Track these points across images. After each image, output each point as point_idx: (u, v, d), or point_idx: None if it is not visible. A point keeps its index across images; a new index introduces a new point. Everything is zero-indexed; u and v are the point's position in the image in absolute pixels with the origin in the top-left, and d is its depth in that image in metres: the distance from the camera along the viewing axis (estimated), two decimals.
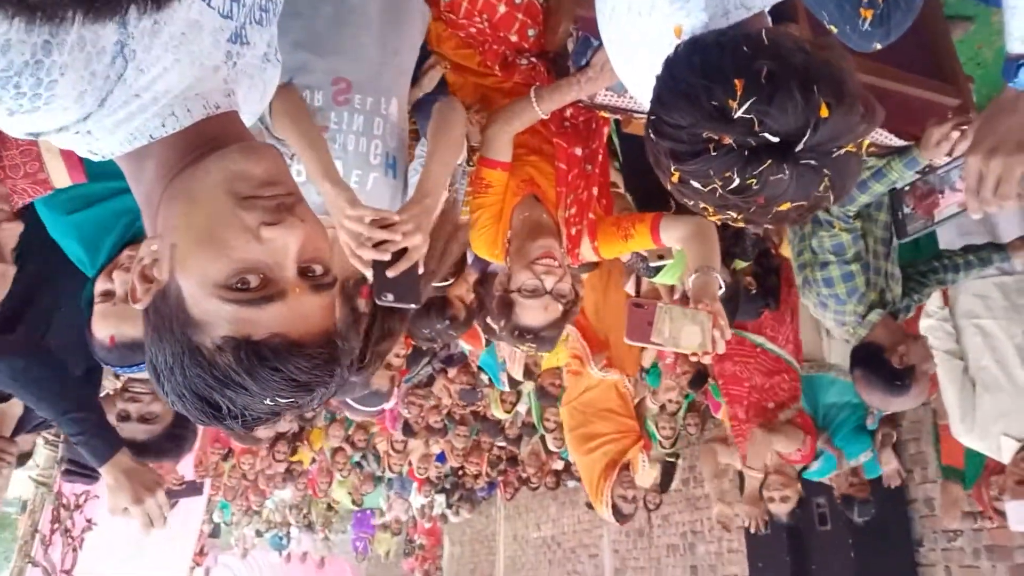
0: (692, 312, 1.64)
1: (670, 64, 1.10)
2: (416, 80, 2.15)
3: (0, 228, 1.57)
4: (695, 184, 1.08)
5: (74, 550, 3.47)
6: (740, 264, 3.32)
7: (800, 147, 1.00)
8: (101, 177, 1.80)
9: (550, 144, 2.28)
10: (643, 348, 4.36)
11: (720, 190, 1.05)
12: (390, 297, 1.48)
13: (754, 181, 1.02)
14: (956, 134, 2.08)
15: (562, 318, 2.02)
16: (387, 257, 1.47)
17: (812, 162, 1.01)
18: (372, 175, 1.80)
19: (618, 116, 2.30)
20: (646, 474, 3.60)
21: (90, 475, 2.72)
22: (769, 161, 1.01)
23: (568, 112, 2.34)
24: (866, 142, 1.09)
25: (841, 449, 3.64)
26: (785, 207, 1.05)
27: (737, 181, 1.03)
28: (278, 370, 0.80)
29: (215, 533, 12.06)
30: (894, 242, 2.63)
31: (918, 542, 4.72)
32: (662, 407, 5.57)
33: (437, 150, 1.75)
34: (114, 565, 4.61)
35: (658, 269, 2.82)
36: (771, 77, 0.99)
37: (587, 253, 2.22)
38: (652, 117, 1.13)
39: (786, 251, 3.34)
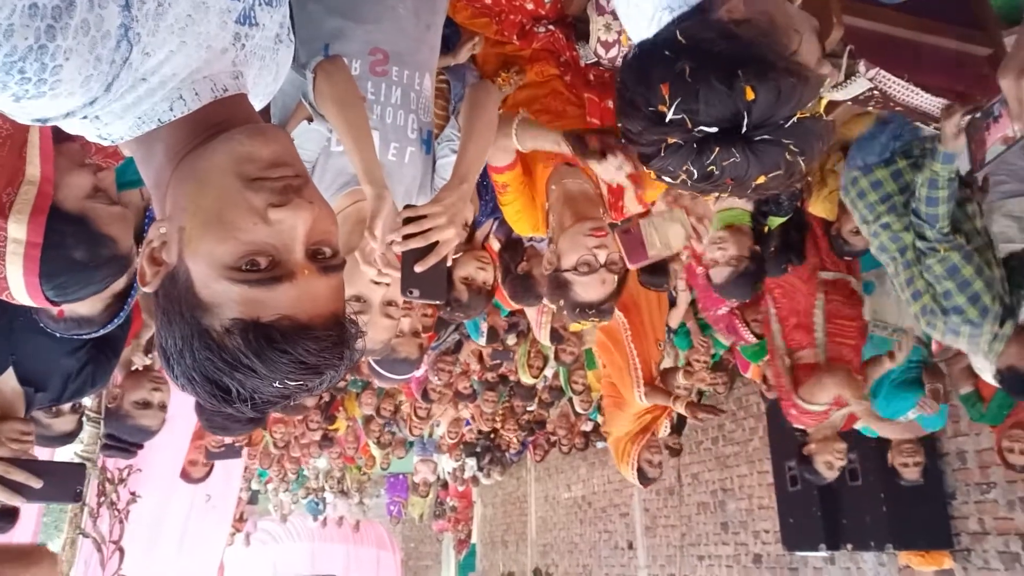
0: (668, 213, 1.74)
1: (621, 73, 1.16)
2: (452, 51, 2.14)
3: (97, 177, 1.60)
4: (667, 179, 1.13)
5: (120, 521, 3.59)
6: (775, 221, 3.28)
7: (744, 130, 1.02)
8: None
9: (575, 105, 2.24)
10: (671, 309, 4.38)
11: (688, 181, 1.10)
12: (416, 293, 1.46)
13: (713, 168, 1.06)
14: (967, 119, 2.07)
15: (619, 287, 2.02)
16: (419, 245, 1.44)
17: (766, 137, 1.03)
18: (409, 149, 1.80)
19: None
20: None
21: (127, 449, 2.79)
22: (716, 149, 1.04)
23: (591, 75, 2.30)
24: (833, 95, 1.10)
25: (879, 411, 3.59)
26: (761, 180, 1.08)
27: (696, 172, 1.07)
28: (287, 352, 0.80)
29: (253, 500, 12.36)
30: (993, 237, 2.55)
31: (951, 495, 4.71)
32: (688, 366, 5.51)
33: (472, 133, 1.72)
34: (159, 534, 4.77)
35: None
36: (693, 74, 1.02)
37: (631, 205, 2.21)
38: (617, 124, 1.18)
39: (815, 207, 3.29)
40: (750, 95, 0.99)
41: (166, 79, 0.85)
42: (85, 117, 0.83)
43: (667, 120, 1.04)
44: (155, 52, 0.82)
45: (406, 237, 1.44)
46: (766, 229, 3.18)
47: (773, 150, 1.04)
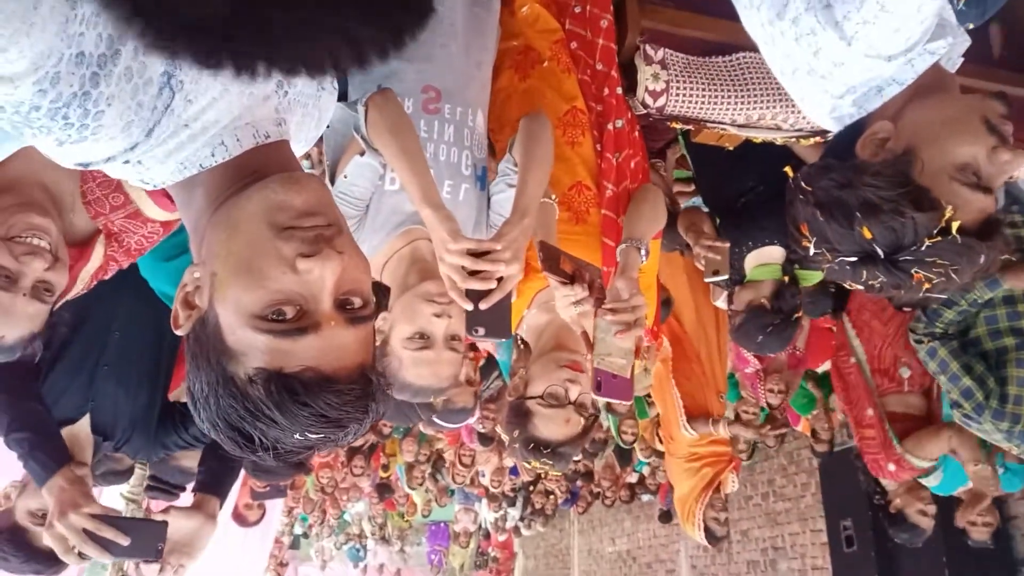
0: (602, 328, 1.62)
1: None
2: None
3: (19, 260, 1.49)
4: (847, 284, 1.27)
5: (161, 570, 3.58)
6: (813, 277, 3.17)
7: (882, 255, 1.12)
8: None
9: (586, 221, 2.05)
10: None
11: (862, 289, 1.23)
12: (481, 331, 1.43)
13: (873, 283, 1.16)
14: None
15: (582, 434, 1.84)
16: (488, 286, 1.40)
17: (908, 258, 1.10)
18: (464, 186, 1.79)
19: (690, 127, 2.24)
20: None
21: (171, 491, 2.81)
22: (864, 271, 1.15)
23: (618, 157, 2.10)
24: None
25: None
26: (927, 286, 1.14)
27: (861, 286, 1.19)
28: (307, 405, 0.78)
29: (295, 545, 12.34)
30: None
31: (1022, 561, 4.45)
32: (737, 417, 5.32)
33: (531, 166, 1.67)
34: None
35: (739, 281, 2.74)
36: (824, 218, 1.17)
37: None
38: None
39: None
40: (868, 235, 1.11)
41: (208, 125, 0.86)
42: (127, 162, 0.84)
43: (812, 253, 1.21)
44: (197, 99, 0.83)
45: (469, 274, 1.41)
46: (787, 278, 3.04)
47: (920, 268, 1.11)
